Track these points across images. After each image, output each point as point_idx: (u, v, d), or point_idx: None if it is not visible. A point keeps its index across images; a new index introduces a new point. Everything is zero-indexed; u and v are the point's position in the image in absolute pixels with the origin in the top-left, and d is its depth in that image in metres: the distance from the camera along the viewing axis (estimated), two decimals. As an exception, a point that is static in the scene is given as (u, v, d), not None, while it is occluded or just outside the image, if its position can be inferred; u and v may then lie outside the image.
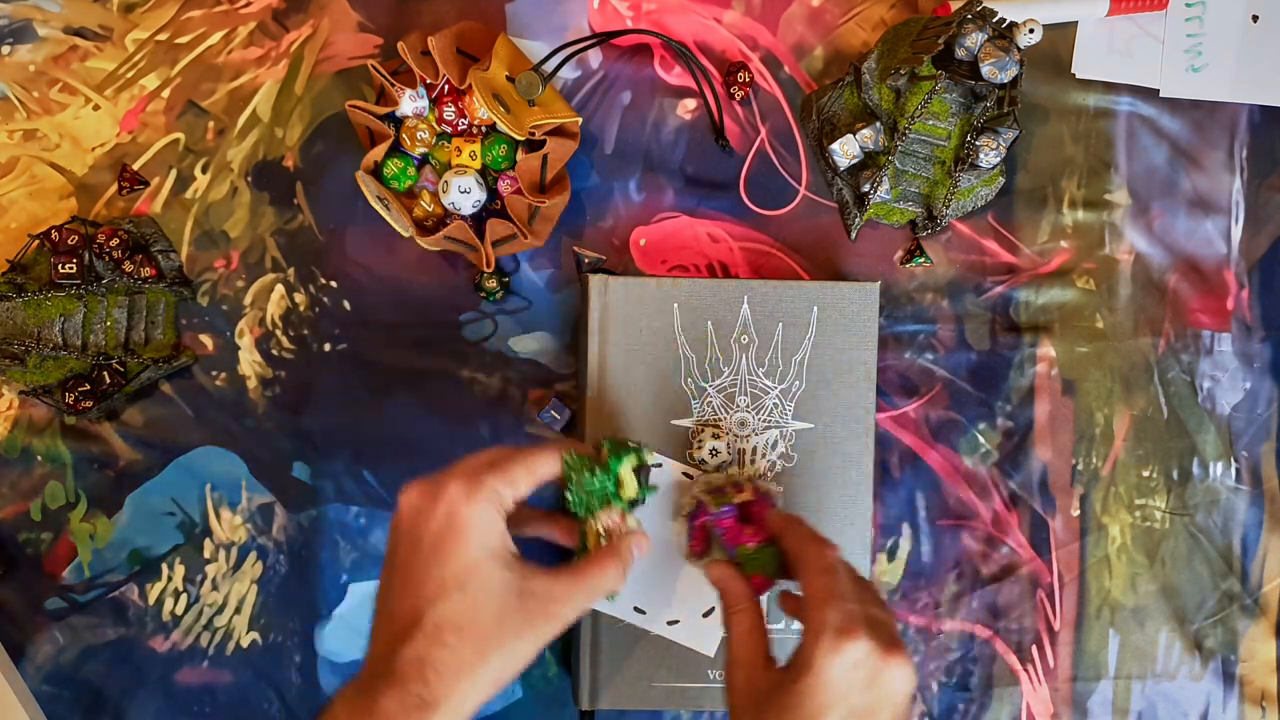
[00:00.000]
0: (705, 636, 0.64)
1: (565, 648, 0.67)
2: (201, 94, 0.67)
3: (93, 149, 0.67)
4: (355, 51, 0.67)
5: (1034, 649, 0.69)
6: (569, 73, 0.67)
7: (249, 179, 0.67)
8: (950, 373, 0.68)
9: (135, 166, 0.67)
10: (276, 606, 0.67)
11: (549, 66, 0.64)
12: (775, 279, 0.66)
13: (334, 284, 0.67)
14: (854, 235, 0.68)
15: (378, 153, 0.63)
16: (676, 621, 0.64)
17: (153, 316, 0.66)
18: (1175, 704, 0.69)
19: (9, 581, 0.67)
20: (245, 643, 0.67)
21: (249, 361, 0.67)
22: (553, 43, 0.67)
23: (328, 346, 0.67)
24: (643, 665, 0.64)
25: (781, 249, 0.68)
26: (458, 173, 0.63)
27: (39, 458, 0.67)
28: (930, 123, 0.62)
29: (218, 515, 0.67)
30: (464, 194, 0.63)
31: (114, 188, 0.67)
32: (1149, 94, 0.69)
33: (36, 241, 0.63)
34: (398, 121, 0.64)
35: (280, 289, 0.67)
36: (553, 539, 0.59)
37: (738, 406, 0.65)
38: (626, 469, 0.57)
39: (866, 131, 0.63)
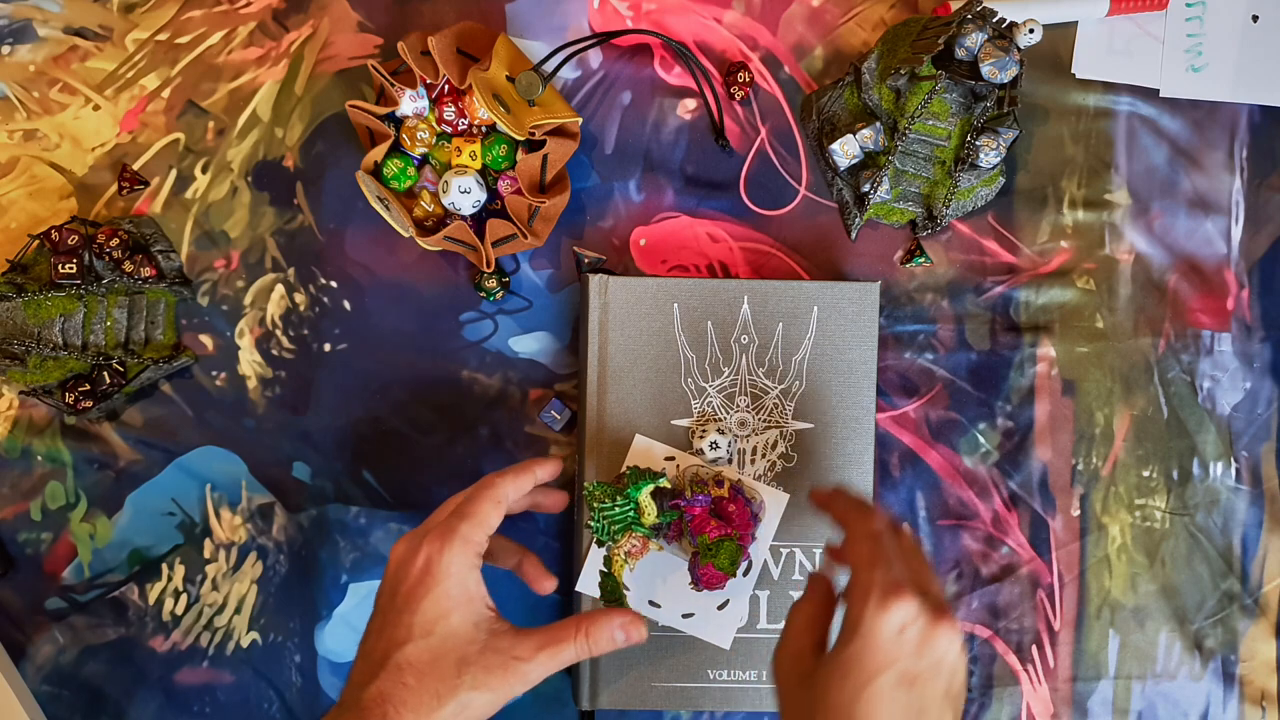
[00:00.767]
0: (721, 629, 0.64)
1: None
2: (201, 94, 0.67)
3: (93, 149, 0.67)
4: (355, 51, 0.67)
5: (1034, 649, 0.69)
6: (569, 73, 0.67)
7: (249, 179, 0.67)
8: (950, 373, 0.68)
9: (135, 166, 0.67)
10: (276, 606, 0.67)
11: (549, 66, 0.64)
12: (775, 279, 0.66)
13: (334, 284, 0.67)
14: (854, 235, 0.68)
15: (378, 153, 0.63)
16: (692, 614, 0.64)
17: (153, 316, 0.66)
18: (1175, 704, 0.69)
19: (9, 581, 0.67)
20: (245, 643, 0.67)
21: (249, 361, 0.67)
22: (553, 43, 0.67)
23: (328, 346, 0.67)
24: (643, 665, 0.65)
25: (781, 249, 0.68)
26: (458, 173, 0.63)
27: (39, 458, 0.67)
28: (930, 123, 0.62)
29: (218, 515, 0.67)
30: (464, 194, 0.63)
31: (114, 188, 0.67)
32: (1149, 94, 0.69)
33: (36, 241, 0.63)
34: (398, 121, 0.64)
35: (280, 289, 0.67)
36: (520, 574, 0.61)
37: (738, 406, 0.65)
38: (646, 495, 0.61)
39: (866, 131, 0.63)
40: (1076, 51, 0.68)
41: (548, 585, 0.60)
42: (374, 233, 0.67)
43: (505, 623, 0.53)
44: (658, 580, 0.64)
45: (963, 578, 0.69)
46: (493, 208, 0.65)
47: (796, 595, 0.56)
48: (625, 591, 0.63)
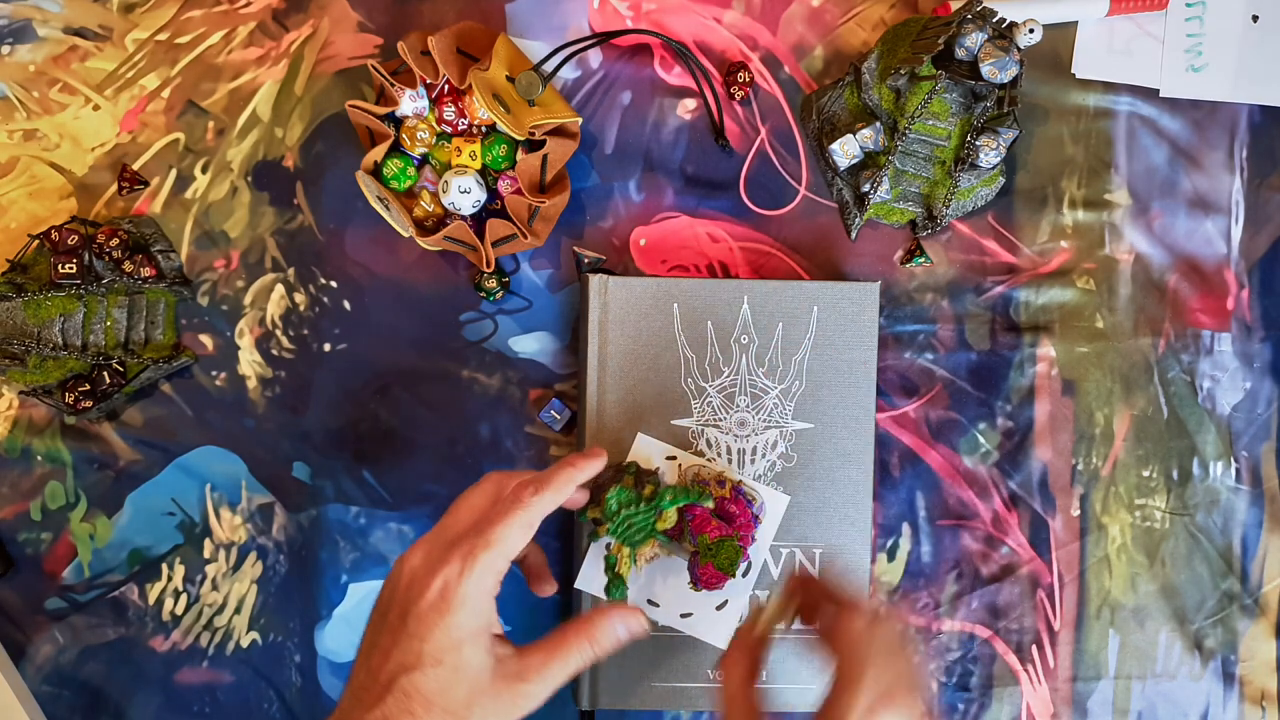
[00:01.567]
0: (719, 630, 0.64)
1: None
2: (201, 94, 0.67)
3: (93, 149, 0.67)
4: (355, 51, 0.67)
5: (1034, 649, 0.69)
6: (569, 73, 0.67)
7: (249, 179, 0.67)
8: (950, 373, 0.68)
9: (135, 166, 0.67)
10: (276, 606, 0.67)
11: (549, 66, 0.64)
12: (775, 279, 0.66)
13: (334, 284, 0.67)
14: (854, 235, 0.68)
15: (378, 153, 0.63)
16: (690, 614, 0.64)
17: (153, 316, 0.66)
18: (1175, 704, 0.69)
19: (9, 581, 0.67)
20: (245, 643, 0.67)
21: (249, 361, 0.67)
22: (553, 43, 0.67)
23: (328, 346, 0.67)
24: (643, 665, 0.65)
25: (781, 249, 0.68)
26: (458, 173, 0.63)
27: (39, 458, 0.67)
28: (930, 123, 0.62)
29: (218, 515, 0.67)
30: (464, 194, 0.63)
31: (114, 188, 0.67)
32: (1149, 94, 0.69)
33: (36, 241, 0.63)
34: (398, 121, 0.64)
35: (280, 289, 0.67)
36: (523, 569, 0.60)
37: (738, 406, 0.65)
38: (673, 508, 0.61)
39: (866, 131, 0.63)
40: (1076, 51, 0.68)
41: (548, 589, 0.60)
42: (374, 233, 0.67)
43: (510, 645, 0.52)
44: (657, 580, 0.64)
45: (963, 578, 0.69)
46: (493, 208, 0.65)
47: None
48: (626, 590, 0.63)
